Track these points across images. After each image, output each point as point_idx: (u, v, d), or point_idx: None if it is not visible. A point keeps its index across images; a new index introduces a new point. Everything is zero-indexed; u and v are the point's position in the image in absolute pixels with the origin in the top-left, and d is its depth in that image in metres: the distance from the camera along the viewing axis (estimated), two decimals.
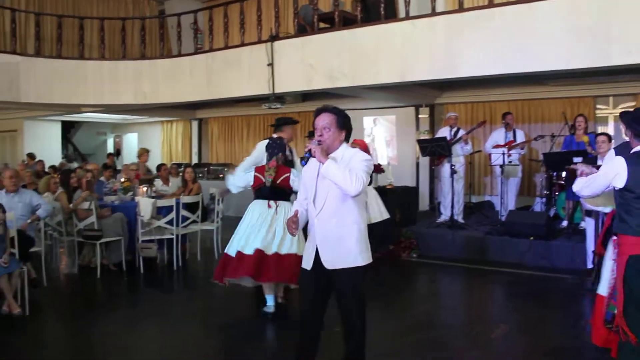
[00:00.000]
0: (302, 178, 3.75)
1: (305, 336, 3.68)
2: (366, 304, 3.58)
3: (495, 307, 6.34)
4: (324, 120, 3.48)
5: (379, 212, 7.31)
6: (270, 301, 5.57)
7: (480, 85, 10.11)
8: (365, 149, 7.20)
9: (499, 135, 9.01)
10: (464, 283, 7.20)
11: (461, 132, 8.90)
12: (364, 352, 3.65)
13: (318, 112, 3.54)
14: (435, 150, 8.60)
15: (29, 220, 6.46)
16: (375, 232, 7.14)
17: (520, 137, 8.93)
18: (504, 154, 8.38)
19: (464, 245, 8.14)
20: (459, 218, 8.87)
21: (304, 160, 3.49)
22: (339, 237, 3.45)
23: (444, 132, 9.11)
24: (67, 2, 13.26)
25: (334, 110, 3.53)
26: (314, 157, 3.36)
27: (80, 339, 5.13)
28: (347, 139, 3.57)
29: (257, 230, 5.34)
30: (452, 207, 8.63)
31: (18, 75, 10.41)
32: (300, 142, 12.14)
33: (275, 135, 5.87)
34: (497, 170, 8.76)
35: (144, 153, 10.83)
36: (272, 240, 5.31)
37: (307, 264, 3.56)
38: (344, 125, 3.52)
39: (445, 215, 9.01)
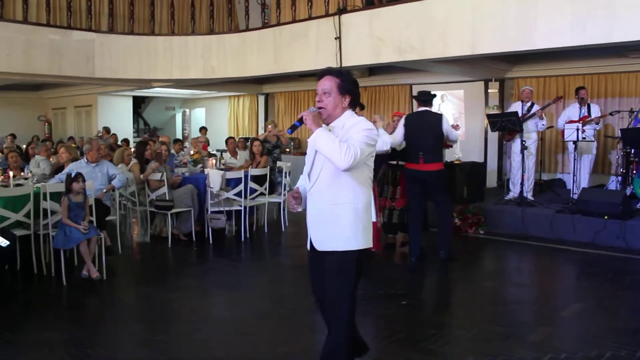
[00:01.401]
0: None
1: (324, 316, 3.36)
2: (354, 295, 3.19)
3: (567, 286, 6.18)
4: (325, 85, 3.11)
5: None
6: None
7: (553, 58, 9.72)
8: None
9: (572, 110, 8.66)
10: (533, 261, 7.03)
11: (535, 108, 8.61)
12: (346, 351, 3.19)
13: (320, 76, 3.17)
14: (505, 125, 8.37)
15: (104, 189, 6.74)
16: None
17: (595, 112, 8.56)
18: (577, 129, 8.06)
19: (534, 223, 7.91)
20: (529, 195, 8.64)
21: (291, 129, 3.14)
22: (331, 216, 3.09)
23: (516, 107, 8.83)
24: None
25: (337, 73, 3.16)
26: (306, 124, 3.01)
27: (152, 303, 5.32)
28: (353, 106, 3.19)
29: None
30: (522, 184, 8.42)
31: (93, 52, 10.79)
32: None
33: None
34: (570, 146, 8.44)
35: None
36: None
37: (308, 243, 3.28)
38: (348, 90, 3.12)
39: (513, 192, 8.80)
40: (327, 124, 3.13)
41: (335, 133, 3.08)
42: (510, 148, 9.03)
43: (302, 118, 3.03)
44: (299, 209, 3.27)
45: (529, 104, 8.68)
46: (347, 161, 2.89)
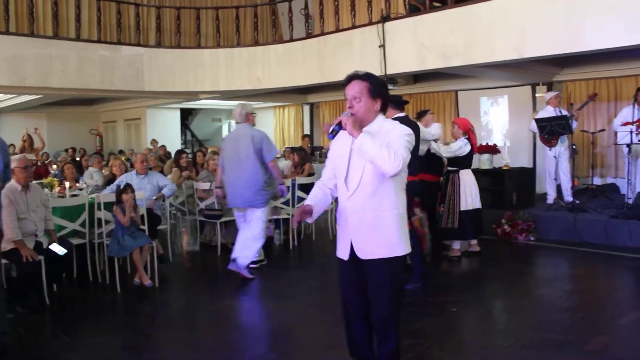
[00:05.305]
0: (329, 155, 3.32)
1: (354, 329, 3.30)
2: (403, 300, 3.23)
3: (623, 293, 5.96)
4: (354, 89, 3.02)
5: (471, 201, 6.85)
6: None
7: (605, 59, 9.44)
8: (466, 129, 6.81)
9: (628, 112, 8.38)
10: (587, 268, 6.83)
11: (565, 112, 8.41)
12: (399, 356, 3.25)
13: (348, 80, 3.08)
14: (555, 129, 8.18)
15: (154, 197, 6.89)
16: (463, 221, 6.83)
17: None
18: (631, 132, 7.81)
19: (587, 229, 7.69)
20: (570, 197, 8.46)
21: (332, 134, 3.05)
22: (375, 223, 3.03)
23: (545, 113, 8.57)
24: None
25: (365, 76, 3.06)
26: (345, 129, 2.94)
27: (203, 310, 5.41)
28: (383, 109, 3.11)
29: None
30: (571, 188, 8.22)
31: (142, 66, 11.07)
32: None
33: None
34: (625, 149, 8.19)
35: None
36: None
37: (344, 253, 3.16)
38: (378, 93, 3.05)
39: (551, 197, 8.67)
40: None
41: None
42: (546, 153, 8.79)
43: (340, 122, 2.96)
44: (310, 221, 3.27)
45: (557, 109, 8.46)
46: (396, 166, 2.85)
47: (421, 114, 7.18)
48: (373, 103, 3.04)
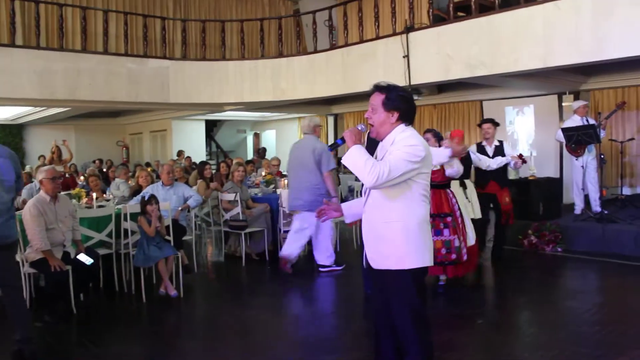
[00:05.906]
0: None
1: (377, 336, 3.29)
2: (422, 313, 3.10)
3: None
4: (372, 101, 3.07)
5: None
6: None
7: (633, 67, 9.29)
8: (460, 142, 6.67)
9: None
10: (616, 280, 6.68)
11: (592, 121, 8.27)
12: None
13: (371, 91, 3.11)
14: (582, 138, 8.06)
15: (180, 208, 6.95)
16: None
17: None
18: None
19: (616, 240, 7.54)
20: (598, 208, 8.27)
21: (332, 147, 3.19)
22: (382, 234, 3.02)
23: (571, 122, 8.43)
24: (209, 7, 14.10)
25: (385, 88, 3.06)
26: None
27: (227, 320, 5.41)
28: (405, 121, 3.06)
29: None
30: (599, 198, 8.06)
31: (168, 78, 11.21)
32: None
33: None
34: None
35: None
36: None
37: (363, 259, 3.22)
38: (394, 106, 3.01)
39: (579, 207, 8.50)
40: (380, 140, 3.12)
41: (384, 149, 3.04)
42: (574, 162, 8.62)
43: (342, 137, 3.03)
44: (347, 221, 3.39)
45: (584, 118, 8.32)
46: (370, 179, 2.83)
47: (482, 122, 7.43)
48: (388, 115, 3.04)
